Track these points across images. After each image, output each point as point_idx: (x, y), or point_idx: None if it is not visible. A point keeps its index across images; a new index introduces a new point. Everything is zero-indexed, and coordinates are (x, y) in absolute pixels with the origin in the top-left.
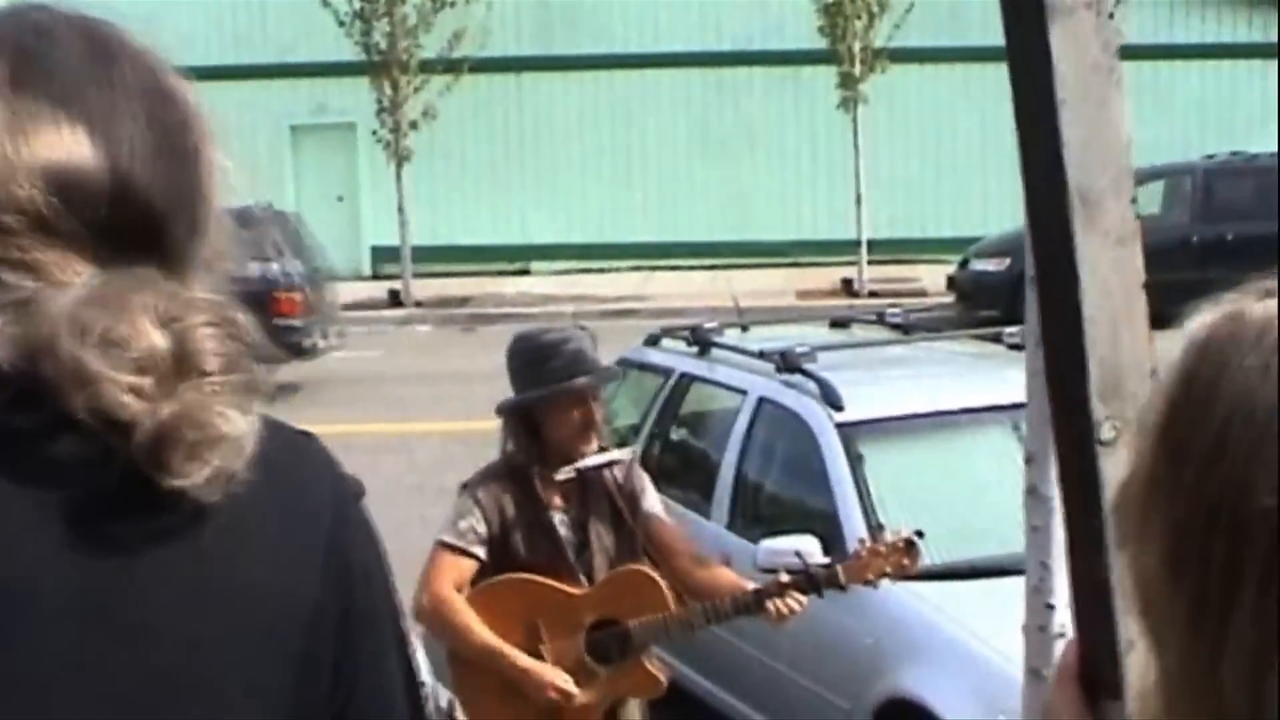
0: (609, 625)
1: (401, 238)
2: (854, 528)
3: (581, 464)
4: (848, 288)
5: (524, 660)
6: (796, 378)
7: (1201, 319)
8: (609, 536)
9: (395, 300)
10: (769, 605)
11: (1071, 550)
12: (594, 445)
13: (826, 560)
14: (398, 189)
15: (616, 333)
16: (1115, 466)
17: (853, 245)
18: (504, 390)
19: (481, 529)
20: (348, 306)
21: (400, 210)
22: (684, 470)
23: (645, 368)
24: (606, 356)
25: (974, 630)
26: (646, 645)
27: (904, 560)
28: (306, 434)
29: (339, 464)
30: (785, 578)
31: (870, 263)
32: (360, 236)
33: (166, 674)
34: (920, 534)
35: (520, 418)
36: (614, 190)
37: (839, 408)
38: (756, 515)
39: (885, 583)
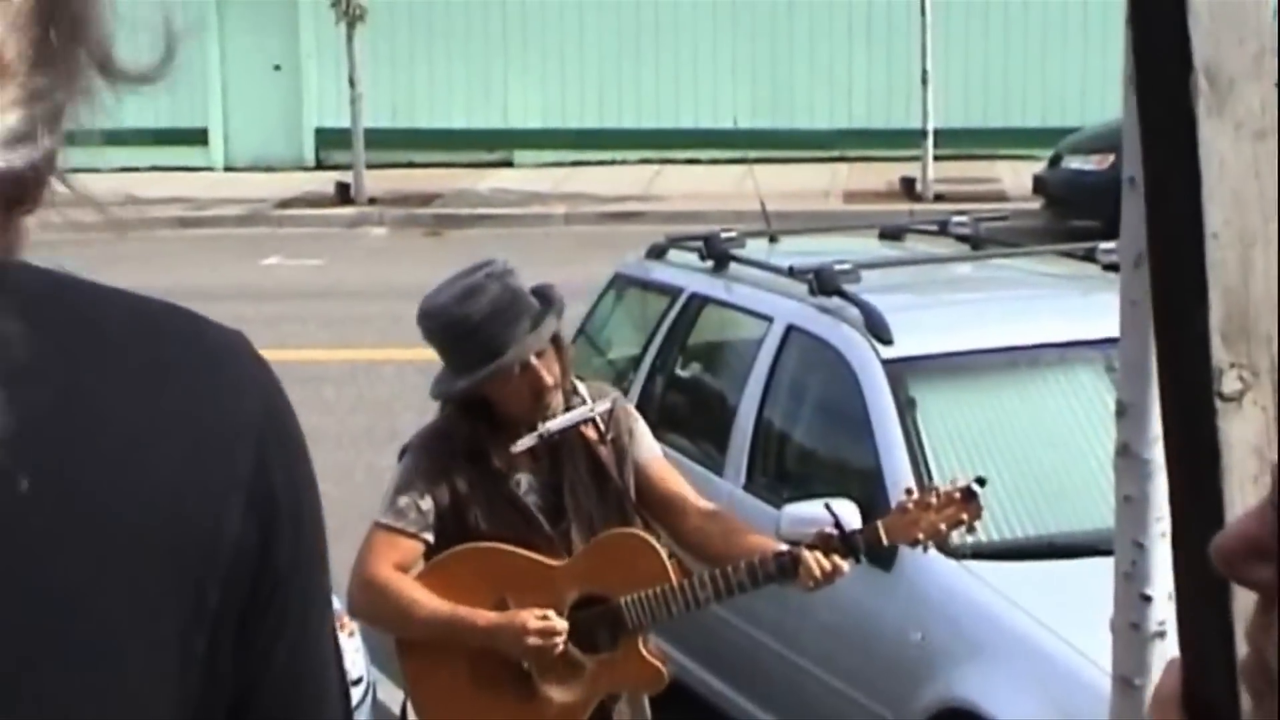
0: (595, 604)
1: (352, 118)
2: (901, 489)
3: (545, 429)
4: (908, 189)
5: (486, 617)
6: (834, 301)
7: None
8: (590, 499)
9: (344, 196)
10: (805, 562)
11: (1177, 536)
12: (557, 404)
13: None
14: (348, 57)
15: (617, 241)
16: (1241, 428)
17: (915, 136)
18: None
19: (426, 505)
20: (285, 203)
21: (351, 84)
22: (692, 415)
23: (648, 286)
24: (604, 269)
25: (1048, 624)
26: (642, 627)
27: (962, 514)
28: (236, 333)
29: (275, 376)
30: (818, 533)
31: (937, 158)
32: (302, 116)
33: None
34: (982, 481)
35: (460, 403)
36: (618, 64)
37: (886, 340)
38: (780, 473)
39: (939, 562)
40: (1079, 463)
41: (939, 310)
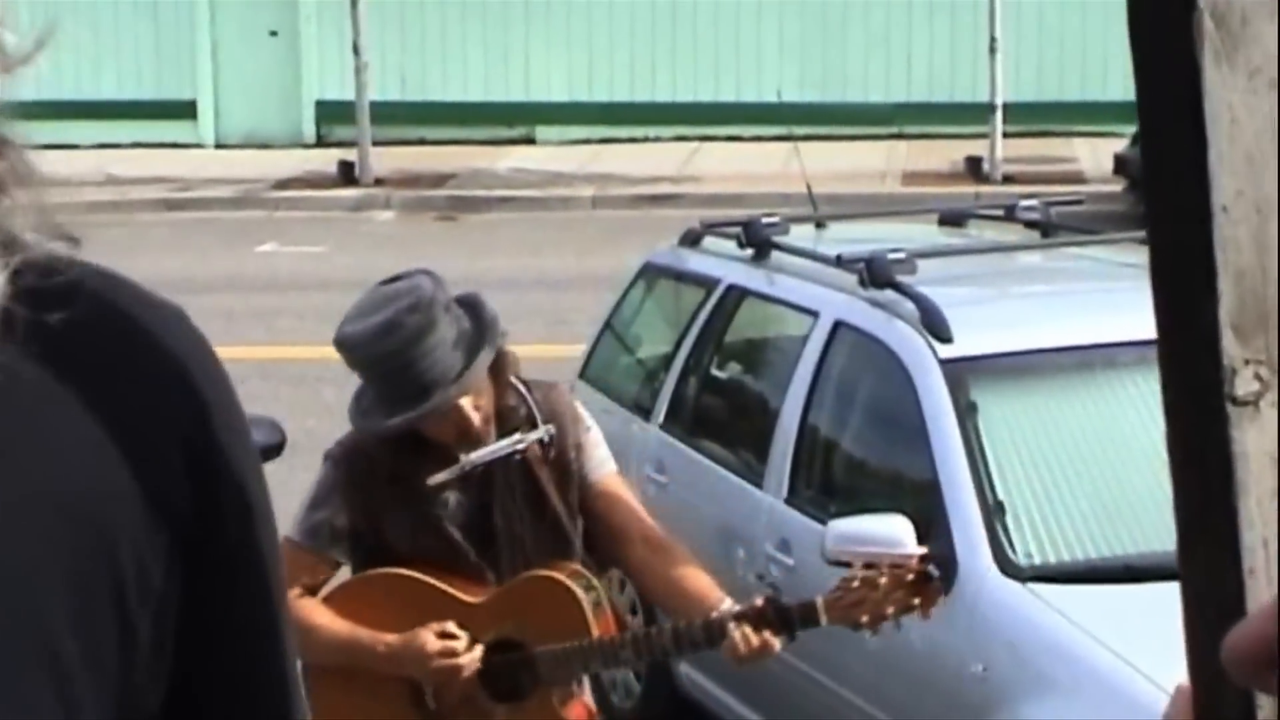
0: (512, 648)
1: (357, 89)
2: (961, 505)
3: (467, 460)
4: (974, 169)
5: (385, 640)
6: (887, 295)
7: None
8: (524, 524)
9: (347, 176)
10: (731, 637)
11: (1184, 561)
12: (487, 439)
13: (866, 569)
14: (352, 21)
15: (649, 226)
16: (1258, 437)
17: (982, 111)
18: (494, 297)
19: (341, 522)
20: (281, 184)
21: (355, 51)
22: (729, 420)
23: (681, 276)
24: (635, 258)
25: (1124, 656)
26: (555, 682)
27: (913, 599)
28: (173, 307)
29: (215, 355)
30: (750, 605)
31: (1006, 135)
32: (301, 87)
33: None
34: (940, 564)
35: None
36: (651, 30)
37: (945, 338)
38: (826, 486)
39: (1003, 586)
40: (1158, 476)
41: (1004, 305)
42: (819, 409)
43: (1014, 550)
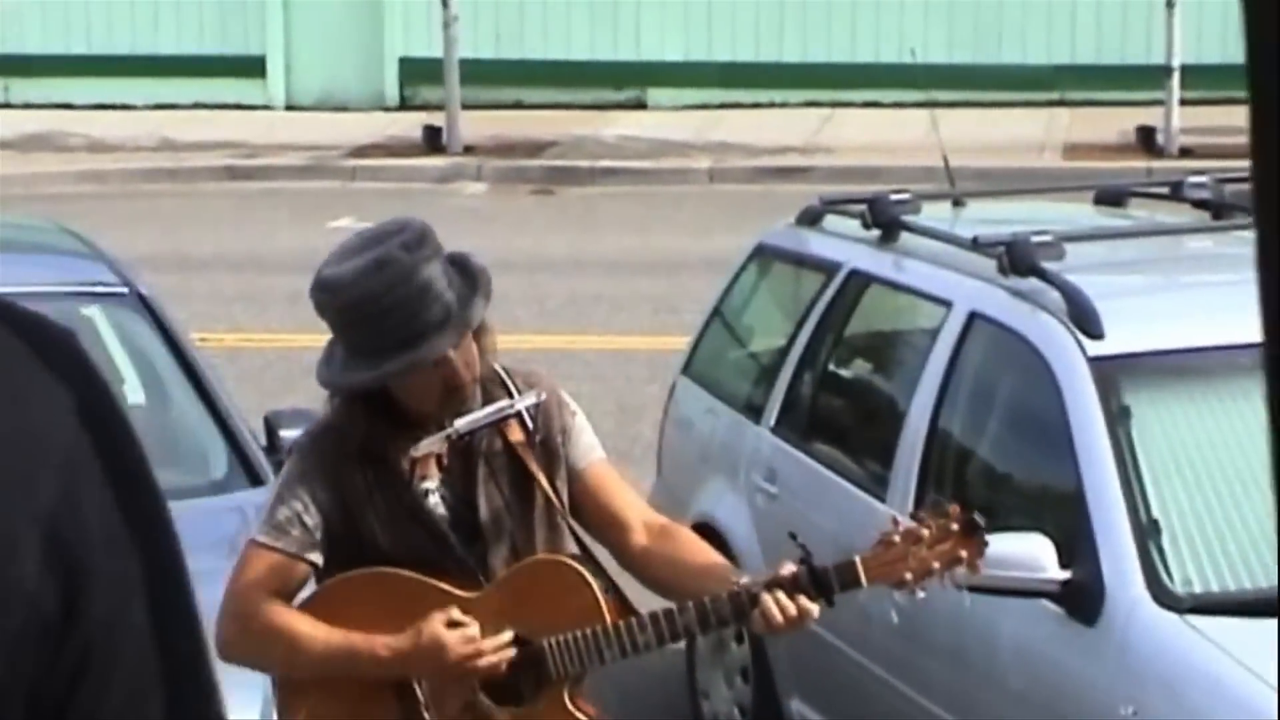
0: (514, 645)
1: (446, 46)
2: (1110, 524)
3: (453, 429)
4: (1146, 141)
5: (386, 642)
6: (1030, 283)
7: None
8: (512, 514)
9: (434, 143)
10: (764, 604)
11: None
12: (471, 402)
13: (1044, 568)
14: None
15: (775, 203)
16: None
17: (1157, 74)
18: (596, 282)
19: (312, 519)
20: (359, 151)
21: (444, 3)
22: (849, 424)
23: (798, 260)
24: (753, 231)
25: None
26: (569, 676)
27: (960, 550)
28: (63, 333)
29: (106, 386)
30: (781, 568)
31: (1184, 103)
32: (383, 42)
33: None
34: (977, 517)
35: (357, 396)
36: None
37: (1095, 333)
38: (957, 499)
39: (1158, 617)
40: None
41: (1164, 296)
42: (950, 412)
43: (1170, 577)
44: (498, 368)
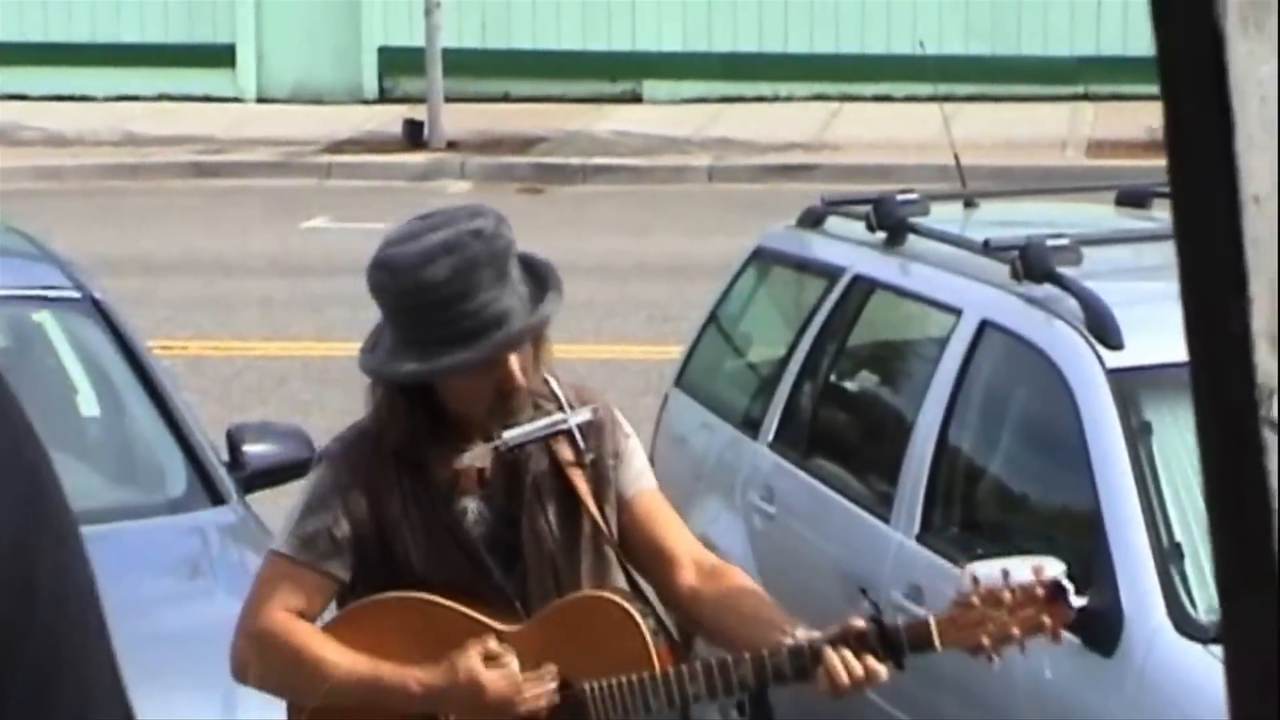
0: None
1: (428, 34)
2: (1129, 547)
3: (502, 439)
4: None
5: (418, 675)
6: (1045, 290)
7: None
8: (556, 540)
9: (415, 138)
10: (829, 662)
11: (1226, 609)
12: (521, 410)
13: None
14: None
15: (778, 203)
16: None
17: None
18: (588, 287)
19: (342, 531)
20: (335, 146)
21: None
22: (852, 439)
23: (799, 264)
24: (755, 232)
25: None
26: None
27: (1043, 616)
28: None
29: (20, 412)
30: (848, 624)
31: None
32: (360, 31)
33: None
34: (1073, 579)
35: (401, 390)
36: None
37: (1114, 343)
38: (967, 520)
39: (1179, 647)
40: None
41: None
42: (960, 427)
43: (1193, 604)
44: (549, 379)
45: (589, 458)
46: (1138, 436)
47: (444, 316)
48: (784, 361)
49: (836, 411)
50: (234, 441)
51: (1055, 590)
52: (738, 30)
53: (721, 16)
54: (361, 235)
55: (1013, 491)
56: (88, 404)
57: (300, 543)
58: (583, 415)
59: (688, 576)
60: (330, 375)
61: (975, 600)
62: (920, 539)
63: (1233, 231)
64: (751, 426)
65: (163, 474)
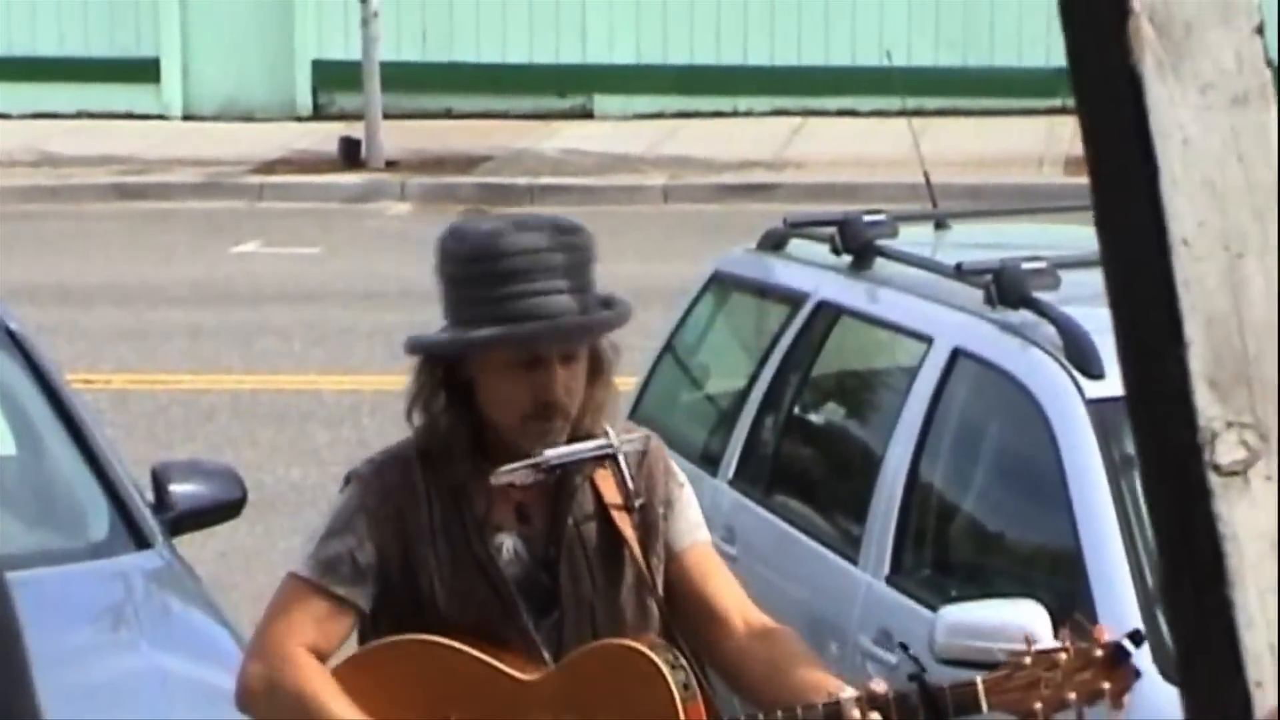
0: None
1: (364, 46)
2: (1112, 587)
3: (543, 456)
4: None
5: None
6: (1021, 315)
7: None
8: (597, 586)
9: (352, 157)
10: None
11: (1182, 664)
12: (558, 433)
13: (1025, 648)
14: None
15: (738, 224)
16: (1249, 514)
17: None
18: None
19: (367, 557)
20: (266, 166)
21: (363, 1)
22: (816, 475)
23: (760, 290)
24: (713, 255)
25: None
26: None
27: (1103, 683)
28: None
29: None
30: (884, 687)
31: None
32: (293, 43)
33: None
34: (1139, 638)
35: (443, 368)
36: None
37: (1095, 372)
38: (940, 560)
39: (1167, 696)
40: None
41: None
42: (931, 462)
43: None
44: (607, 429)
45: (638, 502)
46: (1120, 470)
47: (499, 291)
48: (744, 393)
49: (801, 446)
50: (160, 481)
51: (1117, 653)
52: (694, 41)
53: (677, 27)
54: (294, 260)
55: (988, 530)
56: (3, 442)
57: (321, 566)
58: (632, 444)
59: (737, 636)
60: (261, 409)
61: (1027, 661)
62: (890, 580)
63: (1164, 275)
64: (710, 462)
65: (84, 516)
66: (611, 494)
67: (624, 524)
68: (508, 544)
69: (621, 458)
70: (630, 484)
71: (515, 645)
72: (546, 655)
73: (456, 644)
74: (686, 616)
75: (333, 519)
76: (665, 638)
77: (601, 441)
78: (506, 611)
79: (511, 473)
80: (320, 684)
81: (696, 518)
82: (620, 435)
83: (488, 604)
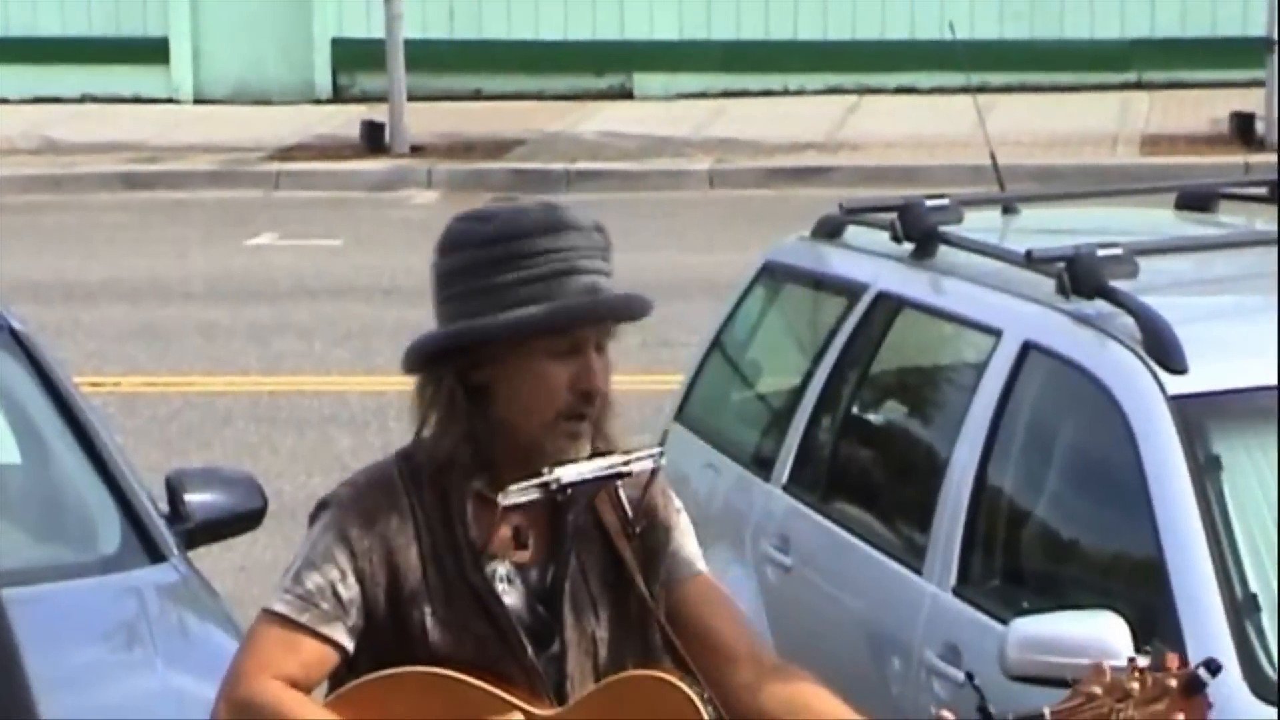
0: None
1: (388, 25)
2: (1197, 598)
3: (553, 476)
4: (1243, 131)
5: None
6: (1097, 306)
7: None
8: (599, 617)
9: (375, 143)
10: None
11: None
12: (586, 436)
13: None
14: None
15: (790, 210)
16: None
17: (1255, 50)
18: None
19: (349, 591)
20: (284, 153)
21: None
22: (877, 479)
23: (816, 281)
24: (763, 244)
25: None
26: None
27: (1177, 715)
28: None
29: None
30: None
31: None
32: (311, 21)
33: None
34: (1215, 668)
35: (451, 371)
36: None
37: (1177, 367)
38: (1010, 570)
39: (1257, 713)
40: None
41: (1261, 321)
42: (1001, 464)
43: (1271, 664)
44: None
45: (637, 528)
46: (1205, 473)
47: (522, 273)
48: (799, 392)
49: (860, 448)
50: (174, 490)
51: (1192, 683)
52: (741, 16)
53: (722, 1)
54: (314, 253)
55: (1063, 537)
56: (6, 450)
57: (298, 601)
58: (646, 461)
59: (745, 672)
60: (281, 413)
61: (1097, 690)
62: (957, 592)
63: None
64: (763, 466)
65: (94, 528)
66: (610, 517)
67: (624, 550)
68: (502, 572)
69: (620, 481)
70: (629, 512)
71: (514, 680)
72: (549, 694)
73: (455, 674)
74: (689, 650)
75: (309, 550)
76: (682, 670)
77: (615, 459)
78: (505, 645)
79: (522, 492)
80: (301, 709)
81: (696, 548)
82: (634, 453)
83: (483, 638)
